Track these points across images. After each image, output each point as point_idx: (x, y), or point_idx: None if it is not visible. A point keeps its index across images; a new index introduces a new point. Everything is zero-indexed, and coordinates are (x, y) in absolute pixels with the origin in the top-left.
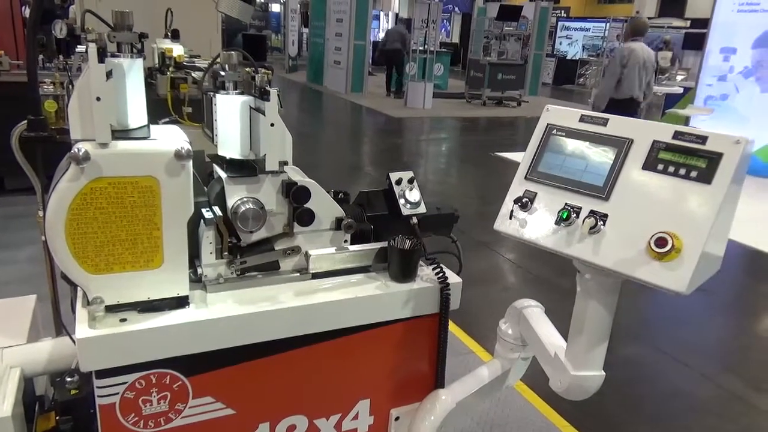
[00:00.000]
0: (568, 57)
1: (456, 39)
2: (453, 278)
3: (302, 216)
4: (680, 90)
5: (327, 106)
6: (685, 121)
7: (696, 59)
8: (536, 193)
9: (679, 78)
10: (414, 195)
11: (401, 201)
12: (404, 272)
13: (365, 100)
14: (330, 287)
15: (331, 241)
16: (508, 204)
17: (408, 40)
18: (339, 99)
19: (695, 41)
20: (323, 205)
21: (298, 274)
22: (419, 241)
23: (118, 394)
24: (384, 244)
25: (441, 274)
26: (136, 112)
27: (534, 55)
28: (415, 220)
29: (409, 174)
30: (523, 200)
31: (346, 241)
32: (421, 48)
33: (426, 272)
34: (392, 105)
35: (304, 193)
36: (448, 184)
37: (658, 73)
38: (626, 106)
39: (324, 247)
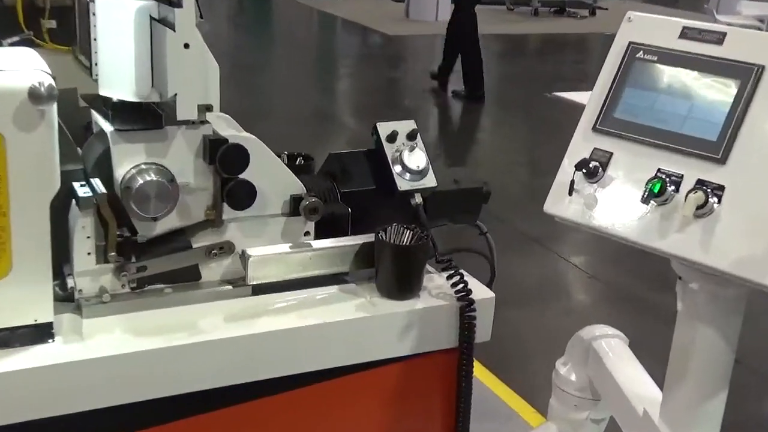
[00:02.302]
0: None
1: None
2: (481, 293)
3: (236, 193)
4: None
5: (280, 18)
6: None
7: None
8: (611, 154)
9: None
10: (417, 159)
11: (396, 168)
12: (401, 283)
13: (343, 8)
14: (282, 308)
15: (284, 233)
16: (567, 171)
17: None
18: (300, 6)
19: None
20: (271, 175)
21: (231, 287)
22: (425, 233)
23: None
24: (369, 237)
25: (461, 286)
26: None
27: None
28: (419, 199)
29: (410, 125)
30: (591, 165)
31: (308, 234)
32: None
33: (437, 283)
34: (386, 15)
35: (239, 157)
36: (476, 143)
37: None
38: None
39: (272, 242)
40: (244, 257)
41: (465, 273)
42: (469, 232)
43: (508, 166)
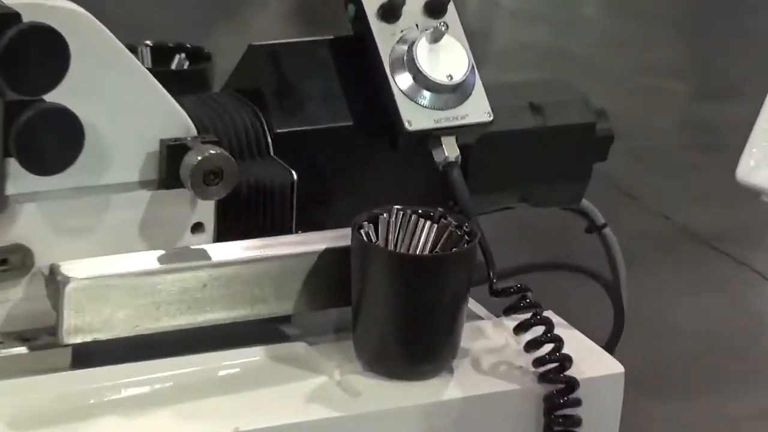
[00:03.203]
0: None
1: None
2: (592, 363)
3: (38, 137)
4: None
5: None
6: None
7: None
8: None
9: None
10: (448, 59)
11: (401, 80)
12: (413, 340)
13: None
14: (141, 398)
15: (147, 227)
16: None
17: None
18: None
19: None
20: (118, 95)
21: (24, 348)
22: (467, 227)
23: None
24: (339, 236)
25: (549, 348)
26: None
27: None
28: (451, 151)
29: None
30: None
31: (199, 229)
32: None
33: (493, 341)
34: None
35: (44, 55)
36: (574, 22)
37: None
38: None
39: (117, 249)
40: (54, 282)
41: (554, 317)
42: (566, 223)
43: (648, 78)
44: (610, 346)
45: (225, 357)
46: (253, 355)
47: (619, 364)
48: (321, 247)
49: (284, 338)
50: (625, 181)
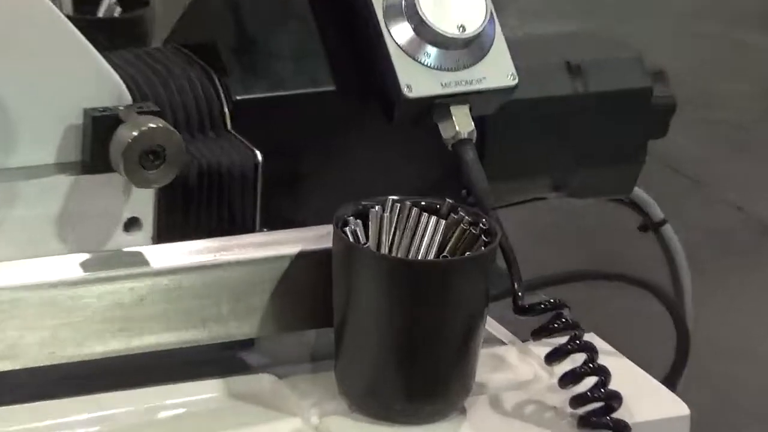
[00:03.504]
0: None
1: None
2: (650, 403)
3: None
4: None
5: None
6: None
7: None
8: None
9: None
10: (460, 5)
11: (399, 33)
12: (416, 372)
13: None
14: None
15: (65, 224)
16: None
17: None
18: None
19: None
20: (26, 51)
21: None
22: (485, 223)
23: None
24: (317, 237)
25: (594, 382)
26: None
27: None
28: (463, 126)
29: None
30: None
31: (134, 225)
32: None
33: (520, 372)
34: None
35: None
36: None
37: None
38: None
39: (32, 248)
40: None
41: (597, 341)
42: (613, 219)
43: (719, 28)
44: (671, 380)
45: (169, 393)
46: (205, 390)
47: (684, 404)
48: (294, 249)
49: (246, 369)
50: (689, 163)
